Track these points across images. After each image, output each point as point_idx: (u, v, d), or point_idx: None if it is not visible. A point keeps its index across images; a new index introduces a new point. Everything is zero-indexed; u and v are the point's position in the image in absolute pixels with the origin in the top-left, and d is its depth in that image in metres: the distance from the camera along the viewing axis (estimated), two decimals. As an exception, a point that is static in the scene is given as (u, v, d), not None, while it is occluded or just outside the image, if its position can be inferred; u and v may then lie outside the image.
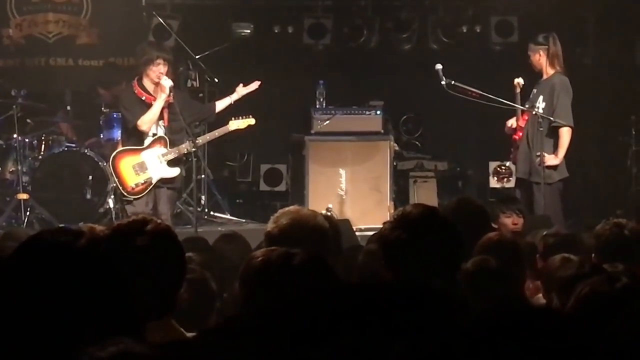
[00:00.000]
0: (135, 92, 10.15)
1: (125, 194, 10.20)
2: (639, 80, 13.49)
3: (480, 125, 14.02)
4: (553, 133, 10.24)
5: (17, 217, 11.60)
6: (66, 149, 12.09)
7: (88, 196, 11.88)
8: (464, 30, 14.14)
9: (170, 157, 10.20)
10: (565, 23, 12.49)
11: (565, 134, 10.18)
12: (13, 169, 11.82)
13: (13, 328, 2.35)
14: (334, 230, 5.87)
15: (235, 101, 10.69)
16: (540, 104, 10.28)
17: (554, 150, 10.20)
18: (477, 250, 5.33)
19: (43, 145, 12.12)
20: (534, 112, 10.29)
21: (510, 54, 13.28)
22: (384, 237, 3.65)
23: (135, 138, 10.24)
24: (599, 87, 13.72)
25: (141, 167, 10.17)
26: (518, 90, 10.42)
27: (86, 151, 11.96)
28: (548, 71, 10.37)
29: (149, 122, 10.10)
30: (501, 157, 13.95)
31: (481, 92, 10.48)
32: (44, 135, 12.20)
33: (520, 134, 10.41)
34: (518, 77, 10.48)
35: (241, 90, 10.65)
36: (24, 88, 12.25)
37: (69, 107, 12.90)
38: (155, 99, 10.10)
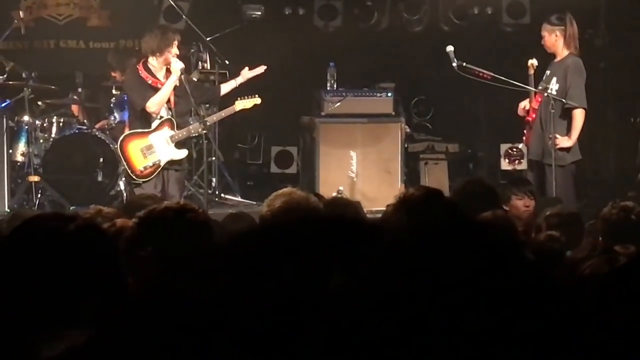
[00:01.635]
0: (141, 75, 10.12)
1: (134, 177, 10.20)
2: (651, 62, 13.43)
3: (491, 107, 14.00)
4: (566, 115, 10.16)
5: (28, 199, 11.62)
6: (77, 131, 12.10)
7: (99, 178, 11.90)
8: (475, 12, 14.09)
9: (178, 138, 10.20)
10: (577, 4, 12.42)
11: (579, 116, 10.11)
12: (24, 151, 11.84)
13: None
14: (353, 210, 5.88)
15: (242, 84, 10.66)
16: (554, 86, 10.20)
17: (567, 132, 10.14)
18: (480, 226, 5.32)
19: (54, 128, 12.14)
20: (546, 94, 10.24)
21: (522, 36, 13.24)
22: (386, 218, 3.64)
23: (142, 121, 10.23)
24: (611, 69, 13.68)
25: (149, 150, 10.16)
26: (532, 71, 10.35)
27: (97, 133, 11.97)
28: (563, 52, 10.27)
29: (158, 104, 10.09)
30: (512, 139, 13.92)
31: (492, 74, 10.44)
32: (55, 117, 12.22)
33: (534, 115, 10.33)
34: (531, 58, 10.43)
35: (246, 74, 10.63)
36: (35, 70, 12.26)
37: (80, 90, 12.91)
38: (160, 82, 10.09)
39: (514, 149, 14.23)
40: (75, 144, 12.00)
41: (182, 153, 10.28)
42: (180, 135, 10.21)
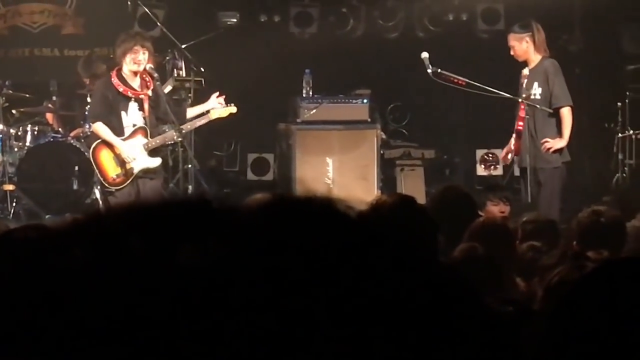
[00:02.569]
0: (113, 82, 10.10)
1: (106, 185, 10.16)
2: (624, 66, 13.50)
3: (467, 113, 14.04)
4: (554, 116, 10.15)
5: (3, 208, 11.56)
6: (52, 139, 12.05)
7: (75, 187, 11.86)
8: (450, 19, 14.15)
9: (152, 146, 10.17)
10: (552, 10, 12.48)
11: (567, 114, 10.08)
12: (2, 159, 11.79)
13: None
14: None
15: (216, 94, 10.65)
16: (536, 90, 10.16)
17: (558, 133, 10.11)
18: (467, 235, 5.34)
19: (29, 136, 12.08)
20: (520, 100, 10.24)
21: (497, 42, 13.25)
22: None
23: (113, 129, 10.19)
24: (585, 74, 13.74)
25: (122, 157, 10.13)
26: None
27: (72, 142, 11.92)
28: (534, 58, 10.27)
29: (100, 132, 10.11)
30: (488, 144, 13.96)
31: (468, 80, 10.46)
32: (29, 125, 12.17)
33: (521, 123, 10.26)
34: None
35: (214, 101, 10.61)
36: (9, 79, 12.22)
37: (54, 98, 12.85)
38: (132, 91, 10.07)
39: (490, 155, 14.27)
40: (50, 153, 11.95)
41: (156, 161, 10.24)
42: (153, 143, 10.18)
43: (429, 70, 10.32)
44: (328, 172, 12.00)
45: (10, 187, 11.48)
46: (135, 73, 10.09)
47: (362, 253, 0.89)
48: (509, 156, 10.56)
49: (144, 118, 10.19)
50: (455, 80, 10.54)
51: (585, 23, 14.10)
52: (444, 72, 10.40)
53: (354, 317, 0.84)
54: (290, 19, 14.20)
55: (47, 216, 11.09)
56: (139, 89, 10.13)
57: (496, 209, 8.23)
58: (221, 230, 0.89)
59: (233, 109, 10.65)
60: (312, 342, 0.82)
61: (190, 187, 12.33)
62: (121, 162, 10.12)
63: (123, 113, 10.11)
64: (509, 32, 10.43)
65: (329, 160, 12.04)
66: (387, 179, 12.98)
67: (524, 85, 10.27)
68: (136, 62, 10.01)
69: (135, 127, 10.16)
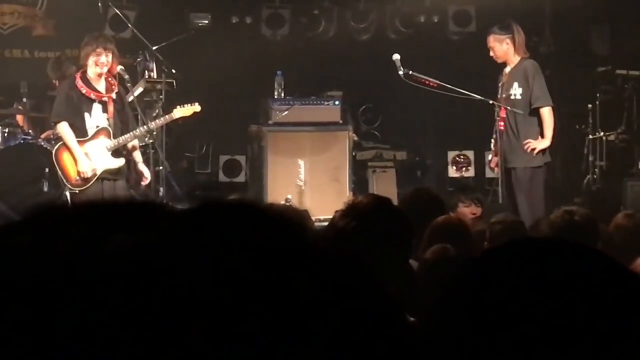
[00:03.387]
0: (77, 84, 10.11)
1: (69, 185, 10.17)
2: (595, 68, 13.56)
3: (439, 115, 14.08)
4: (534, 116, 10.13)
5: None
6: (22, 141, 11.97)
7: (45, 189, 11.78)
8: (422, 20, 14.18)
9: (114, 147, 10.19)
10: (522, 12, 12.52)
11: (548, 114, 10.05)
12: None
13: None
14: (298, 218, 5.89)
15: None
16: (516, 91, 10.12)
17: (539, 133, 10.10)
18: (427, 235, 5.36)
19: (-1, 138, 12.01)
20: (491, 102, 10.26)
21: (468, 44, 13.32)
22: (333, 225, 3.65)
23: (76, 130, 10.22)
24: (556, 75, 13.80)
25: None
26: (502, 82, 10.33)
27: (43, 143, 11.85)
28: (514, 59, 10.23)
29: (61, 132, 10.20)
30: (460, 146, 14.00)
31: (439, 82, 10.48)
32: (-1, 127, 12.10)
33: (502, 124, 10.24)
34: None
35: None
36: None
37: (25, 99, 12.78)
38: (95, 93, 10.10)
39: (461, 157, 14.31)
40: (21, 154, 11.87)
41: (119, 162, 10.25)
42: (116, 143, 10.20)
43: (401, 72, 10.33)
44: (300, 174, 11.99)
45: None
46: (99, 75, 10.10)
47: (259, 247, 0.92)
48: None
49: (108, 120, 10.21)
50: (427, 82, 10.56)
51: (555, 25, 14.17)
52: (415, 73, 10.41)
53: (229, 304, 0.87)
54: (261, 20, 14.20)
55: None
56: (103, 91, 10.15)
57: (468, 210, 8.26)
58: (154, 224, 0.93)
59: (197, 107, 10.68)
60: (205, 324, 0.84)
61: (162, 189, 12.31)
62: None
63: (86, 114, 10.17)
64: (489, 33, 10.37)
65: (301, 162, 12.04)
66: (359, 181, 12.99)
67: (504, 86, 10.25)
68: (99, 64, 10.02)
69: (98, 127, 10.18)
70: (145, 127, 10.46)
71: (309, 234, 0.98)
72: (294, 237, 0.95)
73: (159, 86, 12.24)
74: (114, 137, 10.21)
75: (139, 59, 12.66)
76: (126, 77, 11.01)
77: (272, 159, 12.05)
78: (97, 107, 10.17)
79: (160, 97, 12.11)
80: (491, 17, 11.80)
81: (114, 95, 10.19)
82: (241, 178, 14.14)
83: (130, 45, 12.99)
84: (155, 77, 12.42)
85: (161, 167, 12.18)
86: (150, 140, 10.86)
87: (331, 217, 4.30)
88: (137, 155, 10.51)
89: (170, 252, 0.89)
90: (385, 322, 0.94)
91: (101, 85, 10.17)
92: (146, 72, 12.53)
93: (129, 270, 0.87)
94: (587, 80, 13.60)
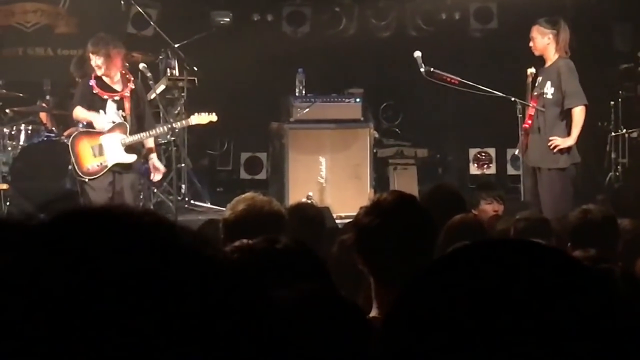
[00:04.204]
0: (90, 84, 10.25)
1: (80, 174, 10.28)
2: (617, 65, 13.52)
3: (460, 112, 14.05)
4: (565, 116, 9.90)
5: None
6: (46, 138, 12.05)
7: (67, 186, 11.84)
8: (443, 17, 14.17)
9: (129, 143, 10.28)
10: (544, 9, 12.49)
11: (579, 113, 9.84)
12: (-7, 159, 11.78)
13: None
14: (318, 216, 5.93)
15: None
16: (549, 90, 9.94)
17: (567, 133, 9.86)
18: (444, 234, 5.35)
19: (22, 135, 12.08)
20: (512, 99, 10.23)
21: (490, 41, 13.32)
22: (357, 222, 3.65)
23: (91, 127, 10.36)
24: (578, 73, 13.74)
25: (99, 150, 10.25)
26: (530, 79, 10.19)
27: (65, 141, 11.90)
28: (552, 57, 10.00)
29: (79, 118, 10.37)
30: (481, 143, 13.98)
31: (461, 79, 10.46)
32: (23, 125, 12.16)
33: (530, 122, 10.12)
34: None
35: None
36: (3, 78, 12.22)
37: (48, 97, 12.85)
38: (108, 93, 10.21)
39: (483, 154, 14.29)
40: (44, 152, 11.94)
41: (131, 157, 10.33)
42: (131, 140, 10.27)
43: (422, 69, 10.31)
44: (321, 171, 12.01)
45: (4, 186, 11.48)
46: (106, 75, 10.23)
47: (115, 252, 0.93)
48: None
49: (124, 117, 10.30)
50: (448, 79, 10.54)
51: (577, 22, 14.09)
52: (436, 71, 10.40)
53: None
54: (282, 18, 14.22)
55: (41, 215, 11.07)
56: (119, 89, 10.24)
57: (490, 207, 8.23)
58: (13, 238, 0.96)
59: (214, 117, 10.76)
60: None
61: (183, 186, 12.36)
62: (99, 152, 10.24)
63: (101, 112, 10.26)
64: (535, 22, 10.14)
65: (322, 159, 12.05)
66: (380, 178, 12.99)
67: (537, 84, 10.07)
68: (94, 67, 10.17)
69: (115, 123, 10.28)
70: (161, 127, 10.53)
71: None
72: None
73: (180, 84, 12.29)
74: (130, 134, 10.29)
75: (161, 57, 12.71)
76: (148, 74, 11.06)
77: (293, 156, 12.07)
78: (111, 105, 10.26)
79: (182, 94, 12.16)
80: (513, 14, 11.79)
81: (127, 93, 10.27)
82: (262, 175, 14.17)
83: (152, 43, 13.06)
84: (177, 74, 12.47)
85: (183, 164, 12.24)
86: (172, 138, 10.90)
87: (352, 214, 4.31)
88: (153, 156, 10.59)
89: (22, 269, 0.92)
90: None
91: (117, 83, 10.25)
92: (168, 69, 12.58)
93: None
94: (610, 77, 13.55)
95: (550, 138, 9.79)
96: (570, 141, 9.78)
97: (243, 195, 5.06)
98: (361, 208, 3.73)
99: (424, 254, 3.49)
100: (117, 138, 10.29)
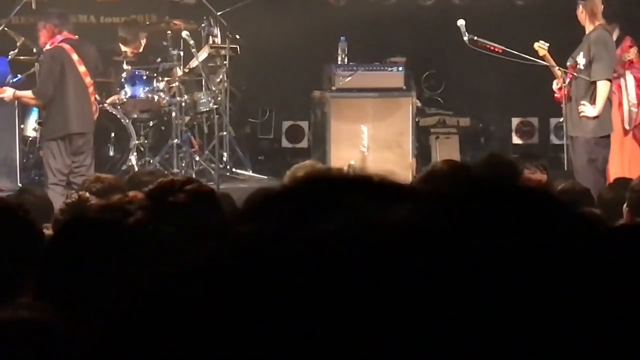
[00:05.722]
0: None
1: None
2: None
3: (503, 81, 13.95)
4: (592, 87, 9.98)
5: (39, 174, 11.65)
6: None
7: (111, 153, 11.92)
8: (487, -15, 14.05)
9: None
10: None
11: (601, 87, 9.87)
12: (36, 126, 11.84)
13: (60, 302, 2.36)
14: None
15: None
16: (581, 60, 10.01)
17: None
18: None
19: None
20: (557, 68, 10.16)
21: (533, 9, 13.20)
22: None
23: None
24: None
25: None
26: (542, 53, 10.20)
27: (108, 108, 11.97)
28: (588, 27, 10.07)
29: None
30: (523, 113, 13.90)
31: (504, 48, 10.41)
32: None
33: (567, 90, 10.12)
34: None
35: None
36: (46, 45, 12.23)
37: (90, 64, 12.89)
38: None
39: (525, 123, 14.21)
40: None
41: None
42: None
43: (465, 38, 10.27)
44: (362, 140, 11.99)
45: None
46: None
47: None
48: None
49: None
50: (492, 48, 10.49)
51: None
52: (480, 39, 10.35)
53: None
54: (325, -15, 14.18)
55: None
56: None
57: (533, 177, 8.17)
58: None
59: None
60: None
61: (225, 154, 12.39)
62: None
63: None
64: None
65: (364, 128, 12.03)
66: (422, 147, 12.97)
67: (574, 53, 10.12)
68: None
69: None
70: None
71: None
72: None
73: (223, 52, 12.29)
74: None
75: (203, 25, 12.71)
76: (191, 42, 11.09)
77: (335, 125, 12.06)
78: None
79: (224, 62, 12.16)
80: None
81: None
82: (304, 144, 14.17)
83: (195, 11, 13.07)
84: (219, 42, 12.47)
85: (225, 132, 12.26)
86: (215, 106, 10.91)
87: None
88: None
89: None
90: None
91: None
92: (210, 37, 12.58)
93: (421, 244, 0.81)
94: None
95: (581, 102, 9.82)
96: (592, 111, 9.80)
97: (302, 163, 5.09)
98: (415, 176, 3.72)
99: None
100: None
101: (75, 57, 10.63)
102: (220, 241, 0.84)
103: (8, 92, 10.92)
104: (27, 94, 10.87)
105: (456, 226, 0.82)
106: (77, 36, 10.94)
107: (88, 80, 10.69)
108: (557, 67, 10.27)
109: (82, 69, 10.65)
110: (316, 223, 0.82)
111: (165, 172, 10.58)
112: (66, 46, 10.64)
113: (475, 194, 0.88)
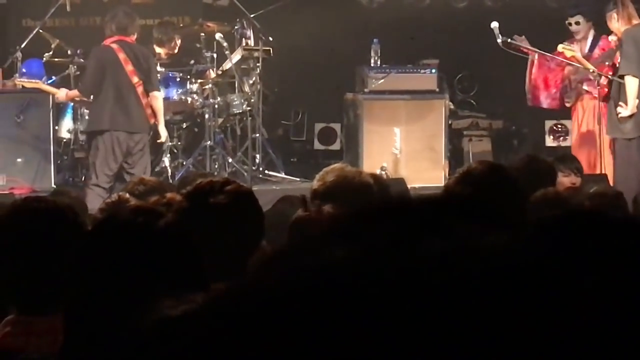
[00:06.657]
0: None
1: None
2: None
3: (536, 83, 13.88)
4: (624, 86, 9.89)
5: (74, 176, 11.73)
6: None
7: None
8: (520, -13, 14.01)
9: None
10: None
11: (629, 84, 9.79)
12: (70, 127, 11.91)
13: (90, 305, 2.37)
14: (382, 190, 5.91)
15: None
16: (618, 59, 10.01)
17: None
18: (531, 206, 5.30)
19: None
20: (592, 70, 10.11)
21: (566, 11, 13.11)
22: (448, 190, 3.64)
23: None
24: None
25: None
26: (569, 54, 10.18)
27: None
28: (622, 29, 10.01)
29: None
30: (557, 115, 13.82)
31: (538, 50, 10.38)
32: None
33: (605, 91, 10.06)
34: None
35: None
36: (80, 47, 12.32)
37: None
38: None
39: (559, 126, 14.14)
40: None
41: None
42: None
43: (499, 40, 10.26)
44: (395, 142, 11.98)
45: (82, 154, 11.63)
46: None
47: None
48: None
49: None
50: (526, 50, 10.46)
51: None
52: (514, 41, 10.32)
53: None
54: (358, -12, 14.18)
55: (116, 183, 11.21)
56: None
57: (567, 180, 8.15)
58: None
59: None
60: None
61: (258, 156, 12.41)
62: None
63: None
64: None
65: (397, 130, 12.02)
66: (455, 150, 12.95)
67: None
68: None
69: None
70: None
71: None
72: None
73: (256, 54, 12.31)
74: None
75: (236, 27, 12.74)
76: (224, 44, 11.11)
77: (367, 127, 12.05)
78: None
79: (257, 64, 12.19)
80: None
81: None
82: (336, 146, 14.17)
83: (228, 13, 13.10)
84: (252, 44, 12.50)
85: (258, 135, 12.29)
86: (248, 108, 10.93)
87: (427, 185, 4.30)
88: None
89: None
90: None
91: None
92: (244, 39, 12.61)
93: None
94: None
95: (620, 103, 9.76)
96: (626, 111, 9.71)
97: (332, 166, 5.05)
98: (451, 177, 3.72)
99: (515, 223, 3.46)
100: None
101: (122, 55, 10.66)
102: (315, 265, 0.81)
103: (61, 93, 10.97)
104: (75, 92, 10.94)
105: (565, 258, 0.81)
106: (135, 39, 11.01)
107: (136, 80, 10.69)
108: (590, 69, 10.23)
109: (129, 67, 10.67)
110: (418, 245, 0.81)
111: (215, 174, 10.61)
112: (114, 45, 10.69)
113: (577, 226, 0.86)
